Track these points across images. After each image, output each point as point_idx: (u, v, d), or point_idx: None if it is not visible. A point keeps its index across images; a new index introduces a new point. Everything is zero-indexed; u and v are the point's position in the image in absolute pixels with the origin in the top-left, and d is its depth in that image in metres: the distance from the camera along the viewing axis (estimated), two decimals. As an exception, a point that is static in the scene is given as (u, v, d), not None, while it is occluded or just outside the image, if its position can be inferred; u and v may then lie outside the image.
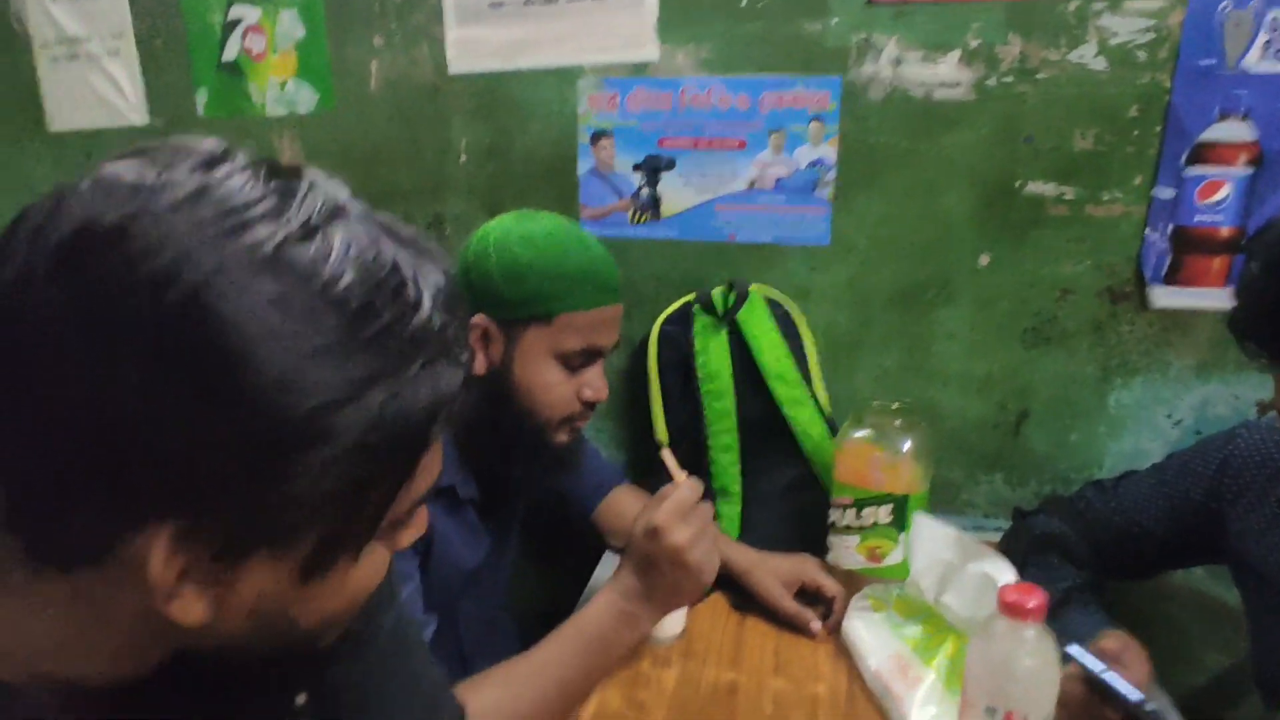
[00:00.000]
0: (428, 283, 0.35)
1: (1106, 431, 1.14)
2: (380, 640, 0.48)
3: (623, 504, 1.16)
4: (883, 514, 0.98)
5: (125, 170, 0.32)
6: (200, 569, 0.33)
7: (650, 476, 1.25)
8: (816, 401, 1.13)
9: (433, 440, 0.37)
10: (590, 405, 0.89)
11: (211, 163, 0.33)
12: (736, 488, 1.13)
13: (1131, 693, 0.66)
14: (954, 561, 0.85)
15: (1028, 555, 0.93)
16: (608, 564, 1.14)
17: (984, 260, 1.12)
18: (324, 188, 0.35)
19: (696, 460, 1.14)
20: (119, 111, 1.39)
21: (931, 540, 0.88)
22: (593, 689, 0.78)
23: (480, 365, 0.86)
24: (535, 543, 1.34)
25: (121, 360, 0.29)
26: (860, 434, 1.01)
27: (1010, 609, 0.61)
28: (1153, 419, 1.12)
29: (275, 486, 0.32)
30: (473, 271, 0.86)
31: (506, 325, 0.85)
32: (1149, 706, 0.65)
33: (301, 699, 0.44)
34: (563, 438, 0.90)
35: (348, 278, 0.32)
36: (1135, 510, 0.91)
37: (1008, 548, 0.95)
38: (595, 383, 0.89)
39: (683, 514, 0.74)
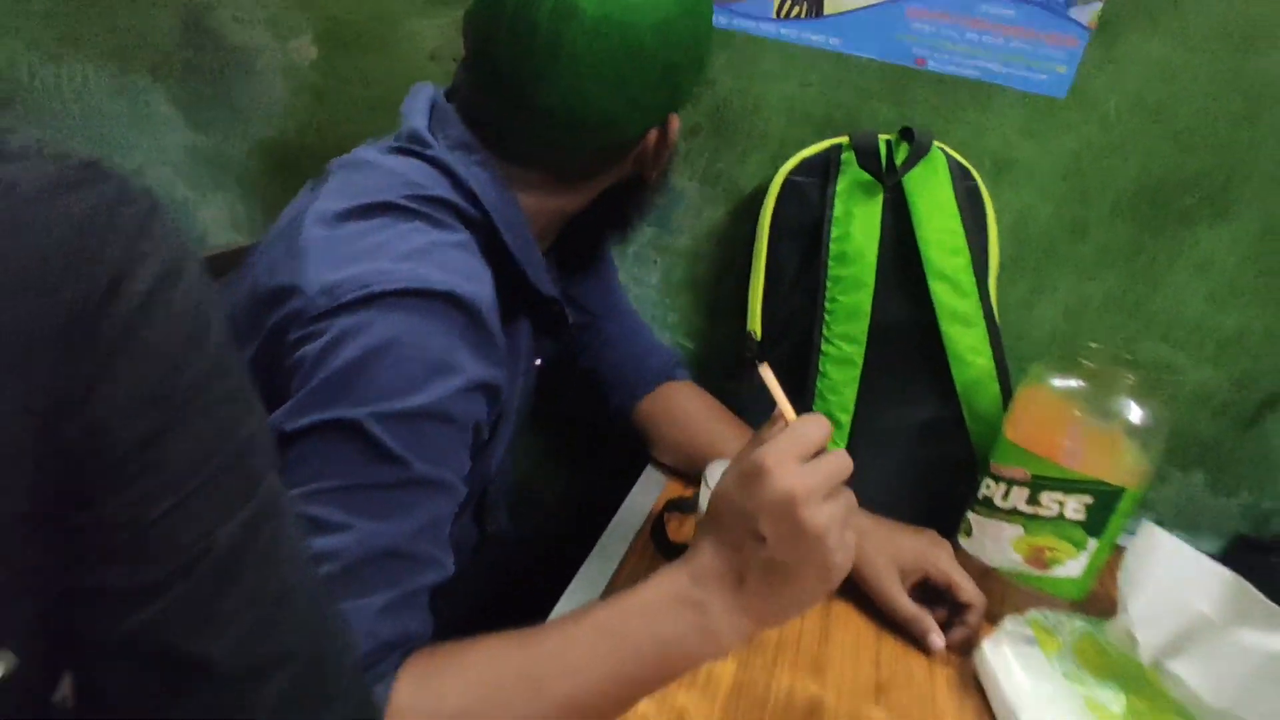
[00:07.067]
0: None
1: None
2: (208, 560, 0.30)
3: (679, 404, 0.86)
4: (1073, 506, 0.66)
5: None
6: None
7: (729, 381, 0.94)
8: (990, 322, 0.78)
9: None
10: None
11: None
12: (847, 418, 0.81)
13: None
14: (1211, 617, 0.54)
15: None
16: (649, 482, 0.85)
17: (1302, 164, 0.75)
18: None
19: (797, 370, 0.82)
20: None
21: (1173, 573, 0.57)
22: (625, 710, 0.48)
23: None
24: (554, 432, 1.05)
25: None
26: (1063, 382, 0.68)
27: None
28: None
29: None
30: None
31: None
32: None
33: (65, 690, 0.32)
34: None
35: None
36: None
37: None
38: None
39: (804, 460, 0.44)
